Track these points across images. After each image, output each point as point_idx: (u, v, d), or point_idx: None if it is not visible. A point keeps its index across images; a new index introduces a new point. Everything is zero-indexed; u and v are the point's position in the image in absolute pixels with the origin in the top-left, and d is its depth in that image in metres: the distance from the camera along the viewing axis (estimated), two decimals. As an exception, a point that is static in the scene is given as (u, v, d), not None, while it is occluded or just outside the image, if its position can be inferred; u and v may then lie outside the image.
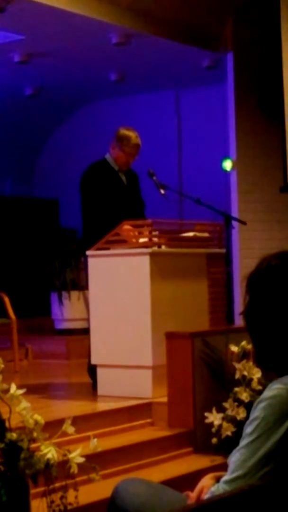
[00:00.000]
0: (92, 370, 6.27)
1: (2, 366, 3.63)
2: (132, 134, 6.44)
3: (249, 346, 5.42)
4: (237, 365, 5.50)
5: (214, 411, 5.38)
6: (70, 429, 3.68)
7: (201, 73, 9.98)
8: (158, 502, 2.77)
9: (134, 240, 6.05)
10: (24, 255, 10.40)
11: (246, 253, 8.92)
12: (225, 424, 5.32)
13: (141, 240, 6.04)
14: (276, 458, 2.26)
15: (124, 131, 6.46)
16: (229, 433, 5.29)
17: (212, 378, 5.64)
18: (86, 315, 7.73)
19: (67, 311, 9.06)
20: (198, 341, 5.63)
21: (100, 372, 6.11)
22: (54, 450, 3.51)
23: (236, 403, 5.39)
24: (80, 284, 8.84)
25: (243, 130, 9.34)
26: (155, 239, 6.13)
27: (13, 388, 3.54)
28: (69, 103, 11.48)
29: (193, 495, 2.67)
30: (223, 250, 6.60)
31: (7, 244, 10.36)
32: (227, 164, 9.48)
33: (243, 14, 9.25)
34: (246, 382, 5.47)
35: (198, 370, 5.59)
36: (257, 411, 2.31)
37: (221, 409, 5.39)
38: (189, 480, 3.82)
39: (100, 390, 6.07)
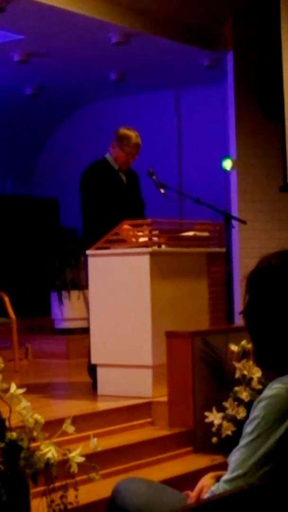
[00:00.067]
0: (92, 370, 6.27)
1: (2, 365, 3.63)
2: (132, 134, 6.44)
3: (249, 346, 5.42)
4: (237, 365, 5.50)
5: (214, 410, 5.38)
6: (70, 429, 3.69)
7: (201, 73, 9.98)
8: (158, 501, 2.77)
9: (133, 239, 6.05)
10: (24, 255, 10.40)
11: (246, 253, 8.91)
12: (225, 424, 5.32)
13: (141, 239, 6.04)
14: (276, 458, 2.26)
15: (124, 131, 6.46)
16: (229, 432, 5.29)
17: (212, 378, 5.64)
18: (86, 315, 7.73)
19: (67, 310, 9.06)
20: (198, 340, 5.63)
21: (100, 371, 6.11)
22: (54, 450, 3.52)
23: (236, 403, 5.39)
24: (80, 283, 8.84)
25: (243, 130, 9.34)
26: (155, 239, 6.13)
27: (13, 387, 3.54)
28: (69, 103, 11.48)
29: (193, 494, 2.67)
30: (223, 250, 6.60)
31: (7, 244, 10.36)
32: (227, 164, 9.48)
33: (243, 13, 9.24)
34: (246, 381, 5.47)
35: (198, 370, 5.59)
36: (257, 411, 2.31)
37: (221, 409, 5.39)
38: (189, 480, 3.83)
39: (100, 390, 6.07)
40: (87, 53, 9.25)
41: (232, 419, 5.34)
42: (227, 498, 2.12)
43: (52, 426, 3.79)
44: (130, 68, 10.00)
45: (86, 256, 6.21)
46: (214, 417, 5.35)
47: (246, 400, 5.36)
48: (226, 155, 9.59)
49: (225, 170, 9.63)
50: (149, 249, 5.92)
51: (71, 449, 3.64)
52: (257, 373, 5.46)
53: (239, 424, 5.19)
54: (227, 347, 5.64)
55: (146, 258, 5.89)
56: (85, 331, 7.04)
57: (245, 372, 5.47)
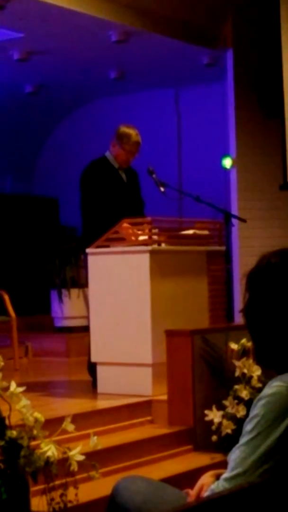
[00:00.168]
0: (92, 368, 6.27)
1: (2, 363, 3.63)
2: (132, 132, 6.44)
3: (249, 344, 5.41)
4: (237, 363, 5.50)
5: (214, 408, 5.38)
6: (70, 427, 3.69)
7: (201, 71, 9.97)
8: (158, 499, 2.77)
9: (133, 238, 6.05)
10: (24, 253, 10.39)
11: (246, 251, 8.91)
12: (225, 422, 5.32)
13: (141, 238, 6.04)
14: (276, 456, 2.27)
15: (125, 129, 6.46)
16: (229, 430, 5.29)
17: (212, 376, 5.64)
18: (86, 313, 7.73)
19: (67, 309, 9.06)
20: (198, 338, 5.62)
21: (100, 369, 6.11)
22: (54, 448, 3.51)
23: (236, 401, 5.39)
24: (80, 281, 8.84)
25: (243, 128, 9.33)
26: (155, 237, 6.13)
27: (13, 386, 3.54)
28: (69, 101, 11.47)
29: (193, 492, 2.67)
30: (223, 248, 6.60)
31: (7, 242, 10.35)
32: (227, 162, 9.48)
33: (242, 12, 9.24)
34: (246, 379, 5.47)
35: (198, 368, 5.59)
36: (257, 409, 2.31)
37: (221, 407, 5.39)
38: (189, 478, 3.84)
39: (100, 388, 6.07)
40: (87, 52, 9.25)
41: (232, 418, 5.33)
42: (227, 496, 2.12)
43: (52, 424, 3.79)
44: (130, 67, 10.00)
45: (86, 255, 6.21)
46: (214, 416, 5.35)
47: (246, 398, 5.36)
48: (226, 153, 9.59)
49: (225, 169, 9.63)
50: (149, 248, 5.92)
51: (71, 447, 3.64)
52: (257, 371, 5.46)
53: (239, 423, 5.19)
54: (227, 345, 5.64)
55: (146, 257, 5.89)
56: (85, 329, 7.05)
57: (245, 371, 5.47)
